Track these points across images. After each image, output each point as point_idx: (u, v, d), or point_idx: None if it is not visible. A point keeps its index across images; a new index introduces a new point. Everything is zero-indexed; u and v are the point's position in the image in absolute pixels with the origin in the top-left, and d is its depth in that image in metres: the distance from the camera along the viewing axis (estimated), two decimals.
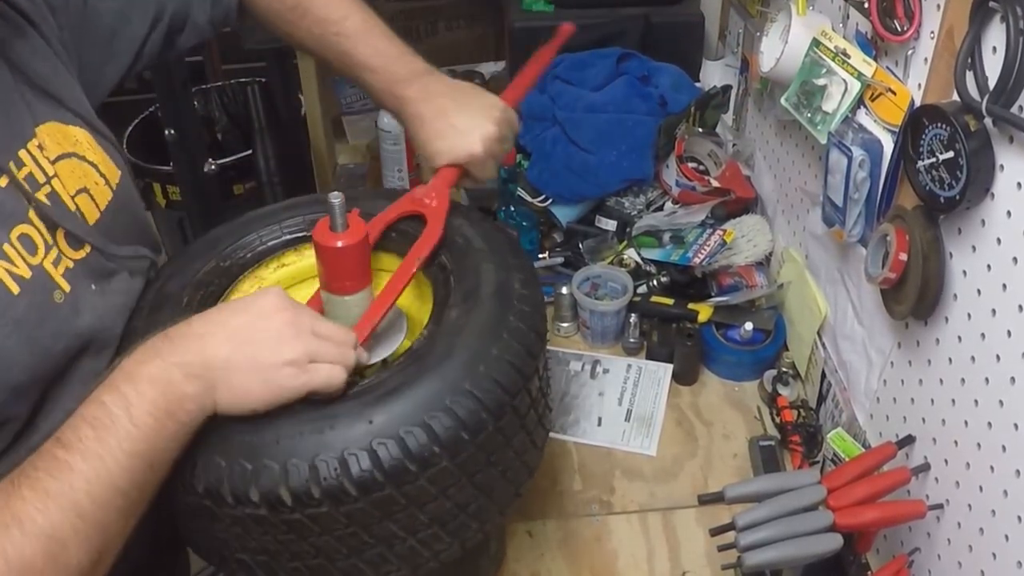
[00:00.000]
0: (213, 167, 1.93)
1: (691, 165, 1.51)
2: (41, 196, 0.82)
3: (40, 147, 0.84)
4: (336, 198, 0.82)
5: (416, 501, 0.76)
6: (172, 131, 1.77)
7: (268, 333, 0.74)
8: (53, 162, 0.85)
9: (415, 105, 1.02)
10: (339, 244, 0.83)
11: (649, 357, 1.36)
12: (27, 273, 0.77)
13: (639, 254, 1.43)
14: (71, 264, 0.83)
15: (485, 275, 0.87)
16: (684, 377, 1.33)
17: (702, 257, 1.35)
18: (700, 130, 1.51)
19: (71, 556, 0.63)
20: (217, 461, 0.73)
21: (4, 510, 0.63)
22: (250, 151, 2.03)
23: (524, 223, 1.48)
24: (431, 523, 0.78)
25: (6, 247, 0.76)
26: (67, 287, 0.80)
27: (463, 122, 1.00)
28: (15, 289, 0.75)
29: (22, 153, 0.82)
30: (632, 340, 1.36)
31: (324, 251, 0.84)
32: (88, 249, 0.85)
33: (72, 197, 0.86)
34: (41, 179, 0.83)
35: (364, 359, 0.82)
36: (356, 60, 1.05)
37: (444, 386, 0.75)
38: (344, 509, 0.73)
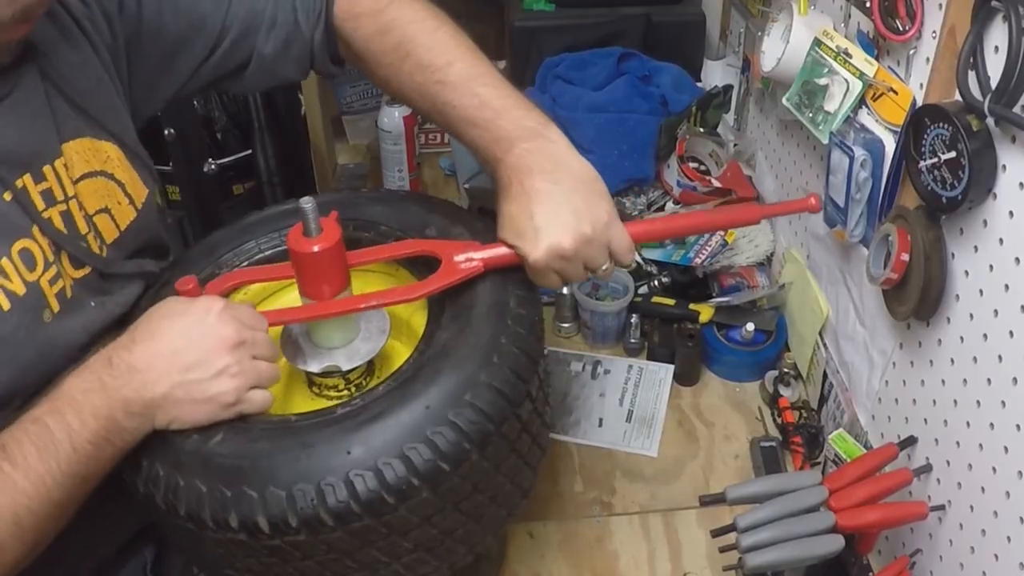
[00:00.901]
0: (213, 167, 1.92)
1: (692, 165, 1.50)
2: (54, 213, 0.82)
3: (66, 166, 0.84)
4: (308, 203, 0.80)
5: (397, 530, 0.75)
6: (171, 131, 1.76)
7: (210, 365, 0.75)
8: (76, 181, 0.85)
9: (507, 172, 0.86)
10: (315, 249, 0.82)
11: (650, 358, 1.36)
12: (21, 289, 0.78)
13: (640, 254, 1.42)
14: (70, 282, 0.83)
15: (480, 293, 0.84)
16: (685, 378, 1.32)
17: (703, 257, 1.35)
18: (701, 130, 1.51)
19: (7, 556, 0.70)
20: (198, 486, 0.73)
21: None
22: (250, 151, 2.02)
23: None
24: (416, 548, 0.77)
25: (4, 261, 0.77)
26: (57, 307, 0.81)
27: (542, 217, 0.82)
28: (6, 305, 0.77)
29: (46, 169, 0.82)
30: (633, 341, 1.36)
31: (300, 257, 0.83)
32: (89, 269, 0.86)
33: (91, 217, 0.87)
34: (59, 196, 0.83)
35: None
36: (458, 113, 0.91)
37: (426, 415, 0.73)
38: (322, 537, 0.73)
